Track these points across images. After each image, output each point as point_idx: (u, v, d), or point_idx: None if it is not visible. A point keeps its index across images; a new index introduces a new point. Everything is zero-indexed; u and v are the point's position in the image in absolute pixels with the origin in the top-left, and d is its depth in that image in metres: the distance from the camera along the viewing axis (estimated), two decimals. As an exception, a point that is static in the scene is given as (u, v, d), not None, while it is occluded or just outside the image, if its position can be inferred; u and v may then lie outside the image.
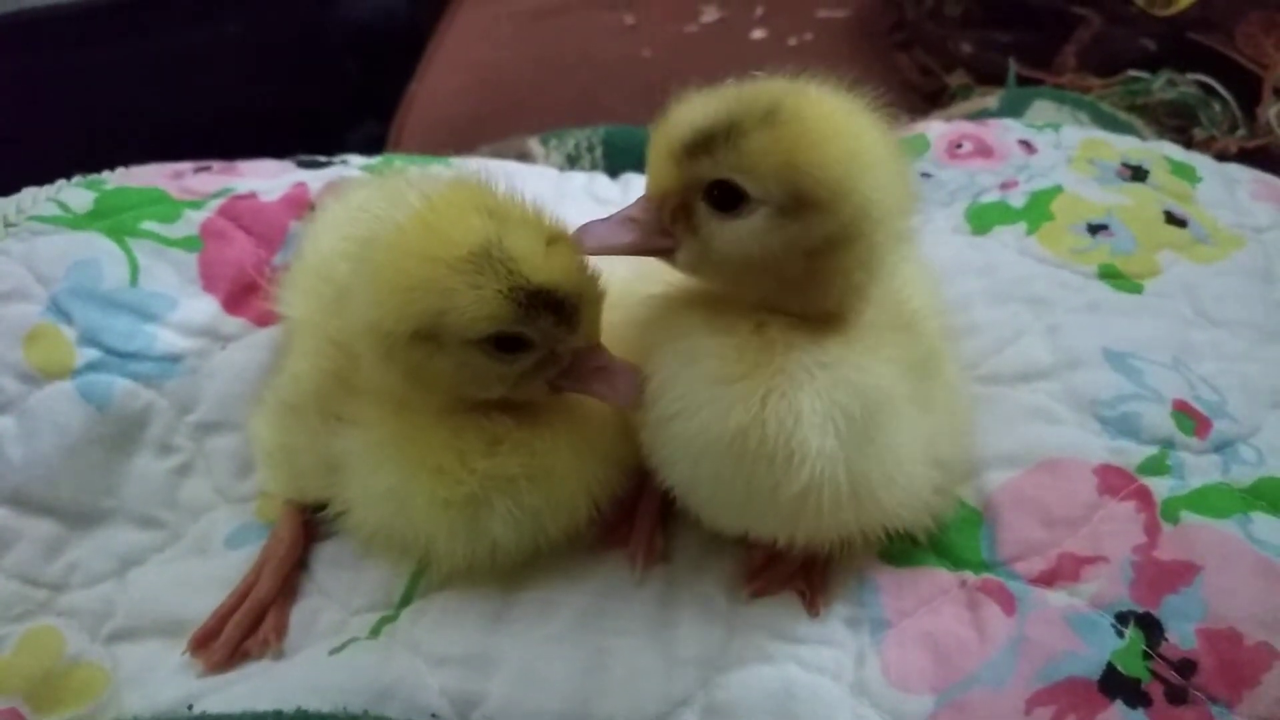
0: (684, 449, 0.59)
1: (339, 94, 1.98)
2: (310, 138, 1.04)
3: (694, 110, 0.55)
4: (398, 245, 0.57)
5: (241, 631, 0.67)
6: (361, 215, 0.72)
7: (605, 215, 0.59)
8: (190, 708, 0.64)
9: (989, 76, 1.34)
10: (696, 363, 0.57)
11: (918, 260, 0.71)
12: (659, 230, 0.58)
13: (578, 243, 0.57)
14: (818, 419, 0.56)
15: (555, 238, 0.58)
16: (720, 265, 0.57)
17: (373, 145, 1.02)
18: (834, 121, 0.55)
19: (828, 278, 0.57)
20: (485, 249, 0.55)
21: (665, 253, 0.58)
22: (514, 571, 0.66)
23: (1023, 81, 1.29)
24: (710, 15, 1.64)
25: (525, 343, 0.58)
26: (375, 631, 0.66)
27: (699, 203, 0.56)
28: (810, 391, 0.56)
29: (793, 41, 1.56)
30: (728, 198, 0.55)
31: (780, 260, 0.56)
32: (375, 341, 0.58)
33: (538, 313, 0.56)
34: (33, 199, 0.84)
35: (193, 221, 0.86)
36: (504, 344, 0.57)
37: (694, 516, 0.64)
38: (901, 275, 0.65)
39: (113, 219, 0.84)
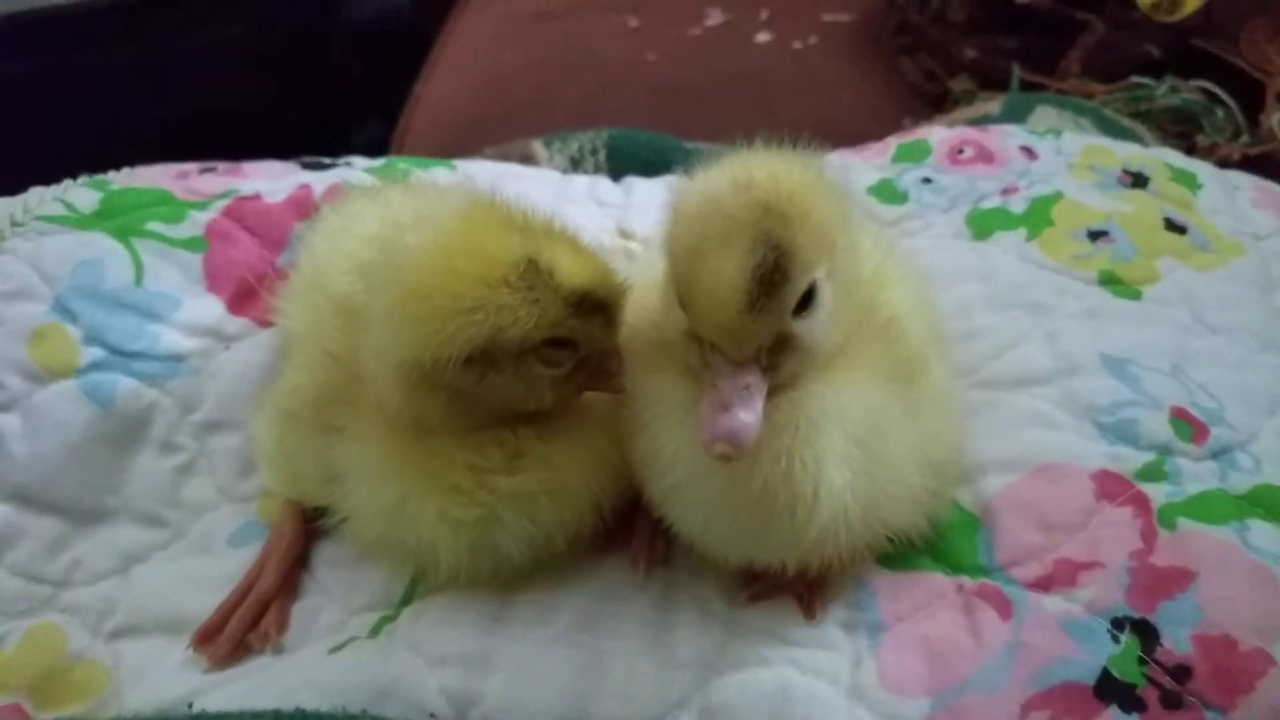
0: (704, 509, 0.59)
1: (343, 96, 1.99)
2: (315, 139, 1.04)
3: (731, 261, 0.52)
4: (443, 272, 0.56)
5: (245, 626, 0.67)
6: (361, 232, 0.72)
7: (718, 410, 0.53)
8: (190, 706, 0.64)
9: (992, 81, 1.34)
10: None
11: (903, 264, 0.71)
12: (763, 376, 0.55)
13: (736, 448, 0.51)
14: (839, 456, 0.56)
15: (578, 245, 0.59)
16: (816, 354, 0.57)
17: (377, 147, 1.03)
18: (799, 173, 0.56)
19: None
20: (531, 260, 0.56)
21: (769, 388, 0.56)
22: (514, 575, 0.66)
23: (1026, 87, 1.29)
24: (715, 18, 1.65)
25: (570, 344, 0.59)
26: (375, 631, 0.67)
27: (790, 323, 0.54)
28: (828, 432, 0.56)
29: (797, 45, 1.57)
30: (808, 297, 0.54)
31: (843, 308, 0.57)
32: (414, 374, 0.57)
33: (587, 314, 0.58)
34: (39, 199, 0.85)
35: (198, 222, 0.86)
36: (554, 346, 0.58)
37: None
38: (878, 282, 0.66)
39: (118, 219, 0.84)
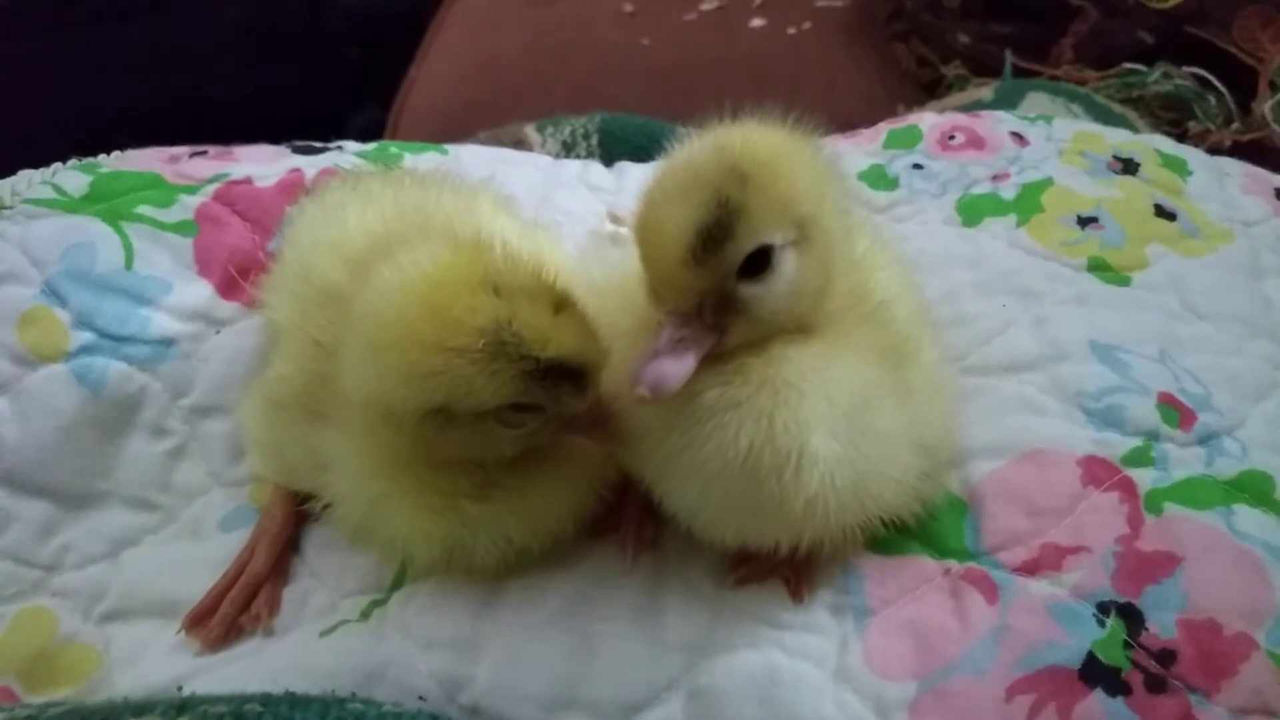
0: (694, 477, 0.59)
1: (340, 80, 1.98)
2: (311, 124, 1.04)
3: (680, 212, 0.54)
4: (403, 330, 0.54)
5: (236, 608, 0.68)
6: (343, 222, 0.72)
7: (650, 356, 0.54)
8: (180, 689, 0.64)
9: (986, 68, 1.34)
10: (699, 395, 0.57)
11: (888, 250, 0.72)
12: (706, 333, 0.56)
13: (654, 393, 0.53)
14: (824, 425, 0.57)
15: (561, 303, 0.57)
16: (771, 321, 0.57)
17: (373, 131, 1.03)
18: (777, 141, 0.57)
19: (832, 280, 0.59)
20: (496, 333, 0.53)
21: (715, 348, 0.57)
22: (493, 574, 0.66)
23: (1019, 73, 1.29)
24: (709, 3, 1.65)
25: (534, 407, 0.57)
26: (365, 614, 0.67)
27: (735, 284, 0.55)
28: (812, 398, 0.57)
29: (791, 30, 1.57)
30: (760, 262, 0.55)
31: (814, 283, 0.57)
32: (377, 414, 0.57)
33: (553, 382, 0.55)
34: (28, 182, 0.85)
35: (188, 206, 0.86)
36: (516, 409, 0.57)
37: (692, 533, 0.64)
38: (867, 266, 0.66)
39: (108, 203, 0.84)
